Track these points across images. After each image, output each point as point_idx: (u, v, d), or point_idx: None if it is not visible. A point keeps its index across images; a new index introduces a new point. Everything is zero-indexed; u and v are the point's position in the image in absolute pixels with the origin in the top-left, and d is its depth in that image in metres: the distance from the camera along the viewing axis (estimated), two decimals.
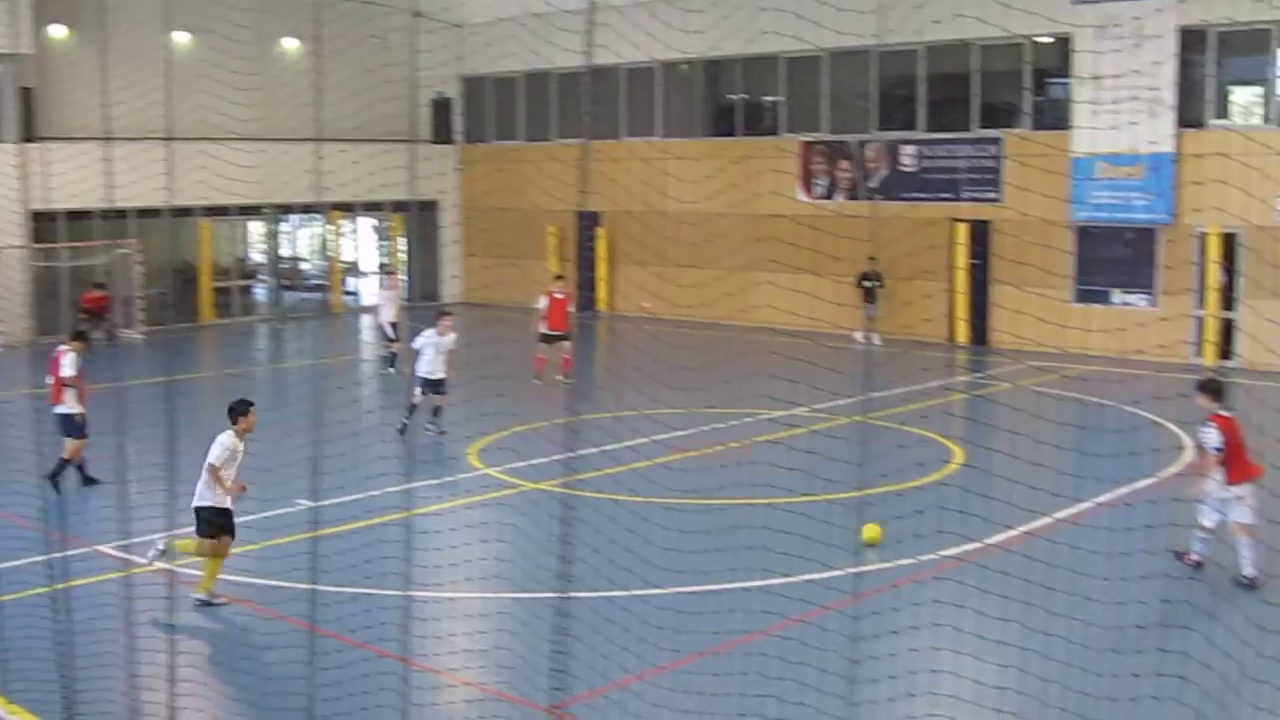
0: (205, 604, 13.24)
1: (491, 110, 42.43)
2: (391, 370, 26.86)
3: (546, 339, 25.73)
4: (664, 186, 33.58)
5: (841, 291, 29.89)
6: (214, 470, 13.25)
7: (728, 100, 37.61)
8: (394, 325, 27.42)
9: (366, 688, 10.42)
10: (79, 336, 18.42)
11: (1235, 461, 13.05)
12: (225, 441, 13.34)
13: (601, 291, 39.15)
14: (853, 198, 33.99)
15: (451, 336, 21.03)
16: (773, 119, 36.29)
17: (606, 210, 37.16)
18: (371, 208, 40.13)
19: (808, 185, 34.88)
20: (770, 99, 36.40)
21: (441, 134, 42.33)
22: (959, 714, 9.20)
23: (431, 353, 20.47)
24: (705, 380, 20.07)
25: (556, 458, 17.89)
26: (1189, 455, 18.95)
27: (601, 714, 10.39)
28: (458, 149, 42.83)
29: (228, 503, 13.39)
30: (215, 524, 13.29)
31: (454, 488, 17.11)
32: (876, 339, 31.59)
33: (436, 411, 20.46)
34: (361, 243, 44.13)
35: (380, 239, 43.67)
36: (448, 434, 20.10)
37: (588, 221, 38.42)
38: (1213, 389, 13.69)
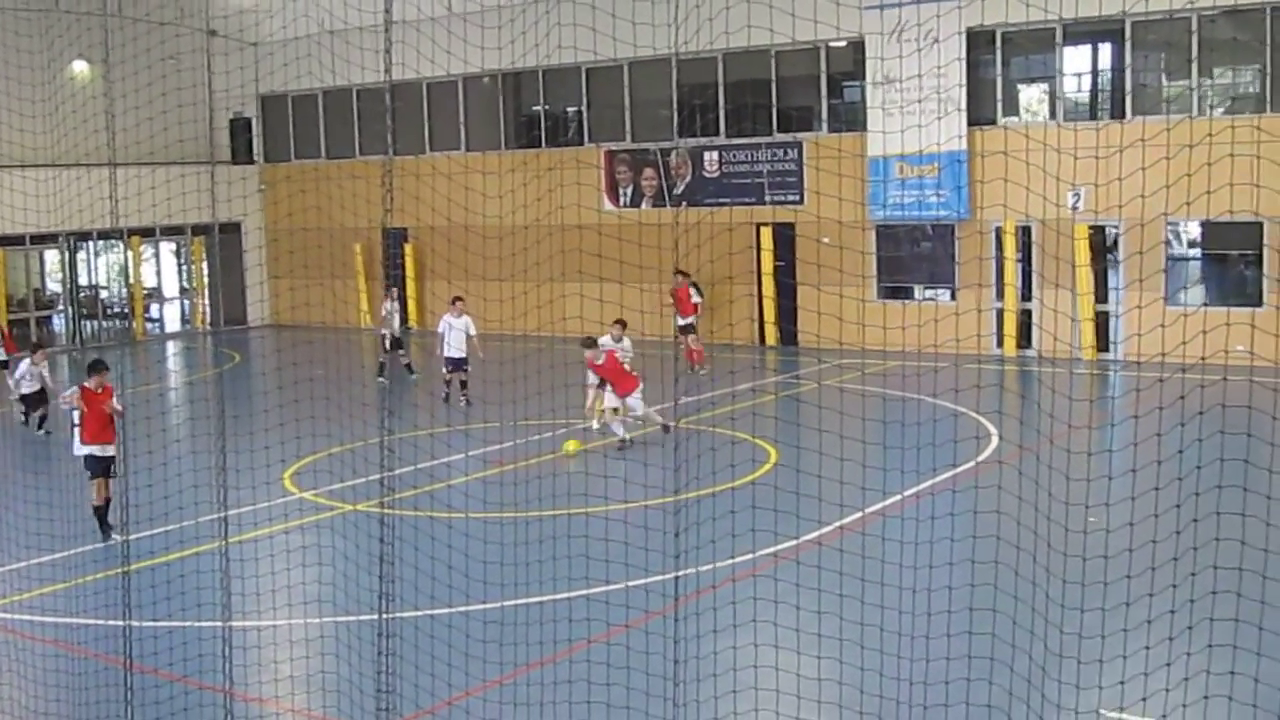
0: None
1: (291, 129, 41.91)
2: (414, 377, 28.30)
3: (682, 329, 28.49)
4: (470, 201, 33.51)
5: (650, 299, 30.21)
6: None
7: (531, 112, 37.71)
8: (395, 338, 28.46)
9: None
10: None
11: (619, 382, 20.84)
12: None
13: (411, 308, 38.89)
14: (658, 205, 34.34)
15: (466, 318, 25.22)
16: (576, 129, 36.49)
17: (413, 226, 36.95)
18: (171, 232, 39.31)
19: (613, 194, 35.15)
20: (572, 109, 36.61)
21: (241, 154, 41.65)
22: (782, 707, 9.42)
23: (452, 335, 24.93)
24: (518, 393, 20.13)
25: (372, 478, 17.75)
26: (994, 442, 19.60)
27: None
28: (259, 169, 42.19)
29: None
30: None
31: (269, 513, 16.86)
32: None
33: (464, 385, 24.89)
34: (163, 268, 43.13)
35: (181, 263, 42.80)
36: (473, 405, 23.92)
37: (395, 238, 38.14)
38: (587, 344, 21.03)
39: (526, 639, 11.24)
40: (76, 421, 16.92)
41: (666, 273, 30.85)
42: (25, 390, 24.04)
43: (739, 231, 32.12)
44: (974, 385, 21.09)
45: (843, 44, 31.54)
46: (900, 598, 9.52)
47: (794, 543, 12.73)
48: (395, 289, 29.48)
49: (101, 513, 16.47)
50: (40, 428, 23.85)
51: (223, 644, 10.05)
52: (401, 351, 28.37)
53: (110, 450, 16.36)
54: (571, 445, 20.69)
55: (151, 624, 12.39)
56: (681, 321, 28.67)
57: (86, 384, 16.66)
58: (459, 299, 25.90)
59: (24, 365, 24.16)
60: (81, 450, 16.73)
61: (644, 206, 34.58)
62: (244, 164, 41.54)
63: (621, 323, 22.58)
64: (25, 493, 17.27)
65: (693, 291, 28.85)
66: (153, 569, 14.59)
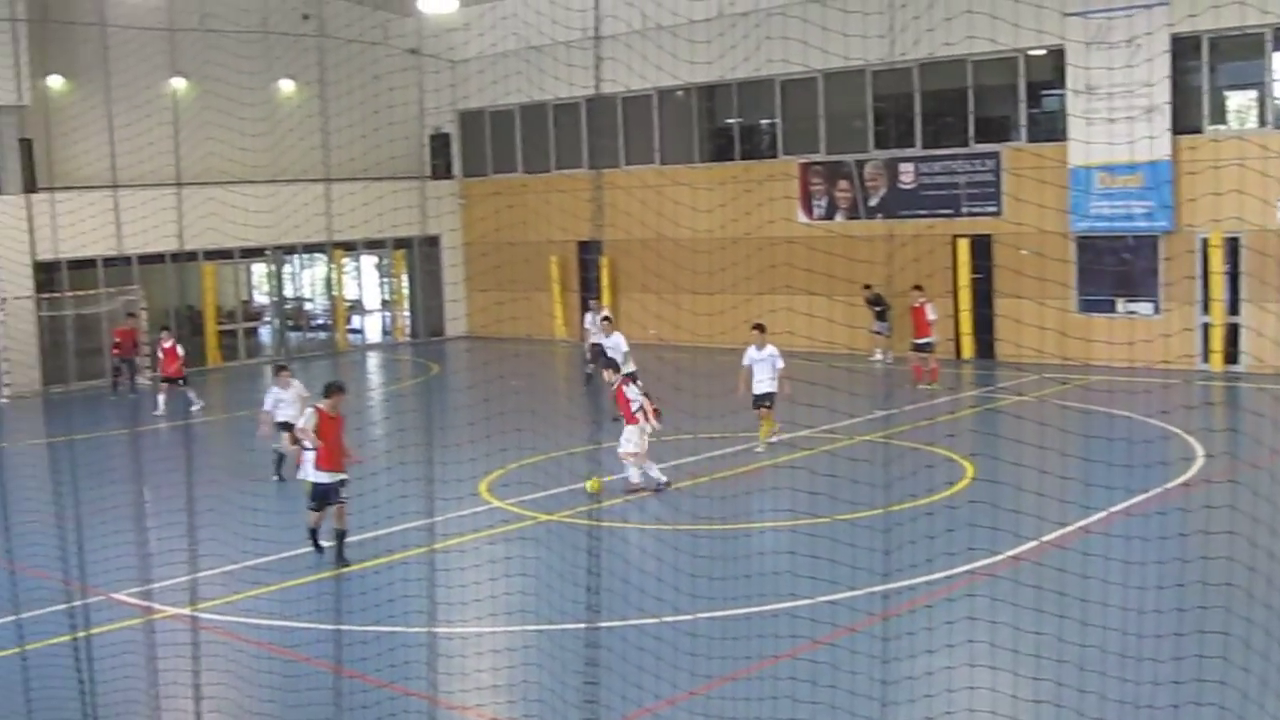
0: None
1: (489, 144, 42.55)
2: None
3: (918, 348, 28.09)
4: (665, 212, 33.63)
5: (850, 312, 29.97)
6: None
7: (725, 125, 37.69)
8: (598, 349, 28.43)
9: None
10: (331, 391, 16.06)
11: (626, 414, 18.75)
12: None
13: None
14: (853, 217, 34.01)
15: (616, 335, 24.91)
16: (770, 142, 36.35)
17: (608, 239, 37.18)
18: (373, 245, 40.24)
19: (808, 206, 34.93)
20: (767, 122, 36.49)
21: (440, 169, 42.48)
22: None
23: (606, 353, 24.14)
24: (722, 406, 20.10)
25: (574, 487, 17.95)
26: (1201, 461, 18.89)
27: None
28: (457, 183, 42.94)
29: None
30: None
31: (472, 522, 17.08)
32: (890, 356, 31.58)
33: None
34: (365, 281, 44.20)
35: (382, 276, 43.78)
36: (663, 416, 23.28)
37: (590, 251, 38.45)
38: (608, 364, 19.74)
39: (732, 652, 11.16)
40: (310, 445, 16.14)
41: (863, 285, 30.57)
42: (281, 419, 20.13)
43: (936, 243, 31.58)
44: (1180, 402, 20.39)
45: (1042, 52, 30.87)
46: (1119, 618, 9.20)
47: (1001, 559, 12.43)
48: (595, 300, 29.82)
49: (316, 534, 16.06)
50: (278, 471, 20.51)
51: (427, 651, 10.19)
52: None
53: (340, 476, 15.76)
54: (592, 484, 17.89)
55: (360, 628, 12.61)
56: (919, 341, 28.08)
57: (321, 405, 15.94)
58: (607, 318, 26.14)
59: (273, 392, 20.46)
60: (312, 475, 16.03)
61: (838, 219, 34.27)
62: (443, 179, 42.34)
63: (760, 327, 21.90)
64: (241, 497, 17.75)
65: (929, 309, 28.08)
66: (362, 575, 14.89)
